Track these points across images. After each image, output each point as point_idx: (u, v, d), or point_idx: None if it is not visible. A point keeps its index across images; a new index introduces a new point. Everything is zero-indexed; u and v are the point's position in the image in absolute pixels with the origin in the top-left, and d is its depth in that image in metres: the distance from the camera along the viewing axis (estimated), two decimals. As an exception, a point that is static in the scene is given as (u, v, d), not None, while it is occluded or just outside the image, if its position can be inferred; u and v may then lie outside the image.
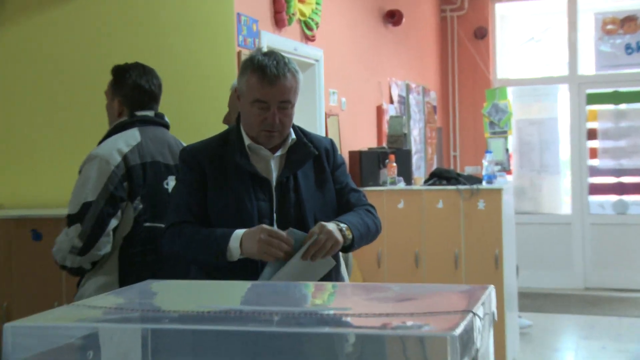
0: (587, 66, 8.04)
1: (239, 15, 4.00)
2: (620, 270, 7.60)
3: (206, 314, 1.34)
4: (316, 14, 4.94)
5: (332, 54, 5.25)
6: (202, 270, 2.25)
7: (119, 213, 2.53)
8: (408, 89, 6.88)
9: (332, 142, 2.39)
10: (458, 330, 1.18)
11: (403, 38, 6.88)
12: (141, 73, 2.72)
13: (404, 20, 6.52)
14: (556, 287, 7.64)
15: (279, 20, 4.48)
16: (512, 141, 7.82)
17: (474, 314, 1.30)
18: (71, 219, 2.51)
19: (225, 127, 2.57)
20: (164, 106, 2.82)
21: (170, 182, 2.62)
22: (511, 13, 8.50)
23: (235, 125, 2.30)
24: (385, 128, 6.07)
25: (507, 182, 5.41)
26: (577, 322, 6.47)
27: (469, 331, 1.25)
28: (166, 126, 2.78)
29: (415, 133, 7.00)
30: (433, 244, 4.90)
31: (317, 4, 4.95)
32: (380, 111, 6.18)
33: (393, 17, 6.41)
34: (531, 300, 6.95)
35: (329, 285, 1.99)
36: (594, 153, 7.95)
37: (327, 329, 1.31)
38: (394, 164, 5.16)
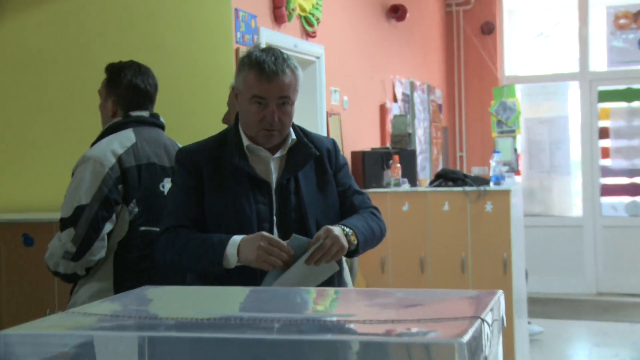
0: (599, 62, 8.03)
1: (236, 10, 4.00)
2: (633, 274, 7.60)
3: (205, 321, 1.37)
4: (317, 9, 4.93)
5: (333, 51, 5.24)
6: (198, 277, 2.24)
7: (114, 217, 2.52)
8: (412, 86, 6.88)
9: (334, 143, 2.37)
10: (466, 337, 1.19)
11: (407, 34, 6.90)
12: (137, 72, 2.72)
13: (408, 15, 6.52)
14: (567, 293, 7.64)
15: (279, 15, 4.48)
16: (520, 141, 7.83)
17: (482, 320, 1.31)
18: (64, 223, 2.50)
19: (224, 126, 2.57)
20: (160, 106, 2.83)
21: (167, 185, 2.61)
22: (519, 7, 8.50)
23: (234, 126, 2.29)
24: (389, 127, 6.07)
25: (515, 183, 5.41)
26: (589, 329, 6.47)
27: (477, 338, 1.26)
28: (161, 127, 2.77)
29: (420, 133, 7.02)
30: (439, 247, 4.90)
31: (318, -2, 4.99)
32: (383, 110, 6.17)
33: (397, 12, 6.42)
34: (541, 306, 6.96)
35: (331, 290, 1.98)
36: (606, 153, 7.94)
37: (329, 336, 1.32)
38: (398, 165, 5.15)
